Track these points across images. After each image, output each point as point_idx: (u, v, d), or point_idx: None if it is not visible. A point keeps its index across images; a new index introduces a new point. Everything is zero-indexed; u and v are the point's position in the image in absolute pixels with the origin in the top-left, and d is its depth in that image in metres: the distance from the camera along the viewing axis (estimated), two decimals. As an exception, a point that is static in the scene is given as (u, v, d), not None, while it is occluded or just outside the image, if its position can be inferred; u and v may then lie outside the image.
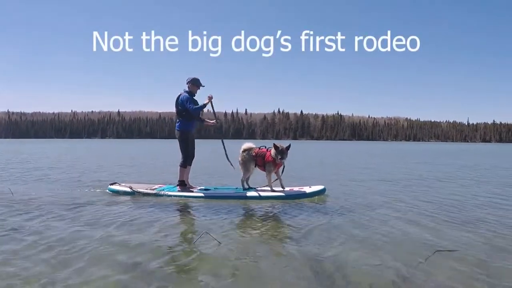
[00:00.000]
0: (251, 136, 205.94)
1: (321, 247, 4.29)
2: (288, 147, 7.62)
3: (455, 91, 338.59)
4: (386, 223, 5.57)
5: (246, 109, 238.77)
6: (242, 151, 7.86)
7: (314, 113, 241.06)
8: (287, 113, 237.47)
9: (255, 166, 7.84)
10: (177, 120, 8.08)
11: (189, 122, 8.02)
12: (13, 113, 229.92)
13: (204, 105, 8.02)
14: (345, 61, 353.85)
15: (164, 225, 5.40)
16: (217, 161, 15.12)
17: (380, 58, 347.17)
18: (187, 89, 8.07)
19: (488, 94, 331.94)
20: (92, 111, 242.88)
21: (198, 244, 4.41)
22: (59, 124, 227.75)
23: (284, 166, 7.83)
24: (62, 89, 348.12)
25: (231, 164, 8.07)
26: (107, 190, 8.29)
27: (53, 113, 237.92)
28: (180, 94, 8.03)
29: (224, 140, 8.66)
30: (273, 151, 7.59)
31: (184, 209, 6.77)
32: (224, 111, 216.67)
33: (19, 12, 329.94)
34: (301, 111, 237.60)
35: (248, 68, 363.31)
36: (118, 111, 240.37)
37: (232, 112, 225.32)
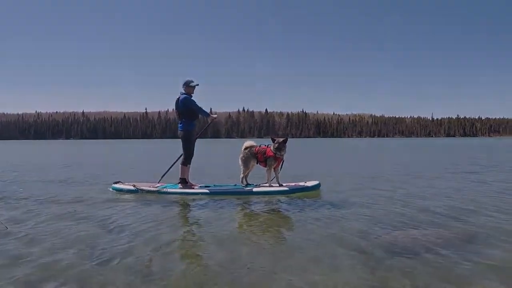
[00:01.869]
0: (215, 135, 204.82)
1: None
2: (285, 141, 8.02)
3: (419, 87, 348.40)
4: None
5: (211, 108, 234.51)
6: (244, 149, 8.27)
7: (279, 111, 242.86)
8: (252, 112, 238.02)
9: (256, 163, 8.24)
10: (180, 121, 8.29)
11: (191, 122, 8.30)
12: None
13: (208, 115, 8.40)
14: (309, 58, 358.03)
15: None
16: (219, 160, 15.49)
17: (345, 55, 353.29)
18: (183, 91, 8.34)
19: (452, 90, 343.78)
20: (56, 112, 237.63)
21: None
22: (23, 125, 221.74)
23: (283, 161, 8.22)
24: (26, 91, 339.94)
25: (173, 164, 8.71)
26: (110, 189, 8.57)
27: (17, 114, 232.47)
28: (179, 97, 8.29)
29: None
30: (273, 146, 8.00)
31: (184, 205, 7.12)
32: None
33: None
34: (266, 110, 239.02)
35: (214, 67, 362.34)
36: (83, 111, 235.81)
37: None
